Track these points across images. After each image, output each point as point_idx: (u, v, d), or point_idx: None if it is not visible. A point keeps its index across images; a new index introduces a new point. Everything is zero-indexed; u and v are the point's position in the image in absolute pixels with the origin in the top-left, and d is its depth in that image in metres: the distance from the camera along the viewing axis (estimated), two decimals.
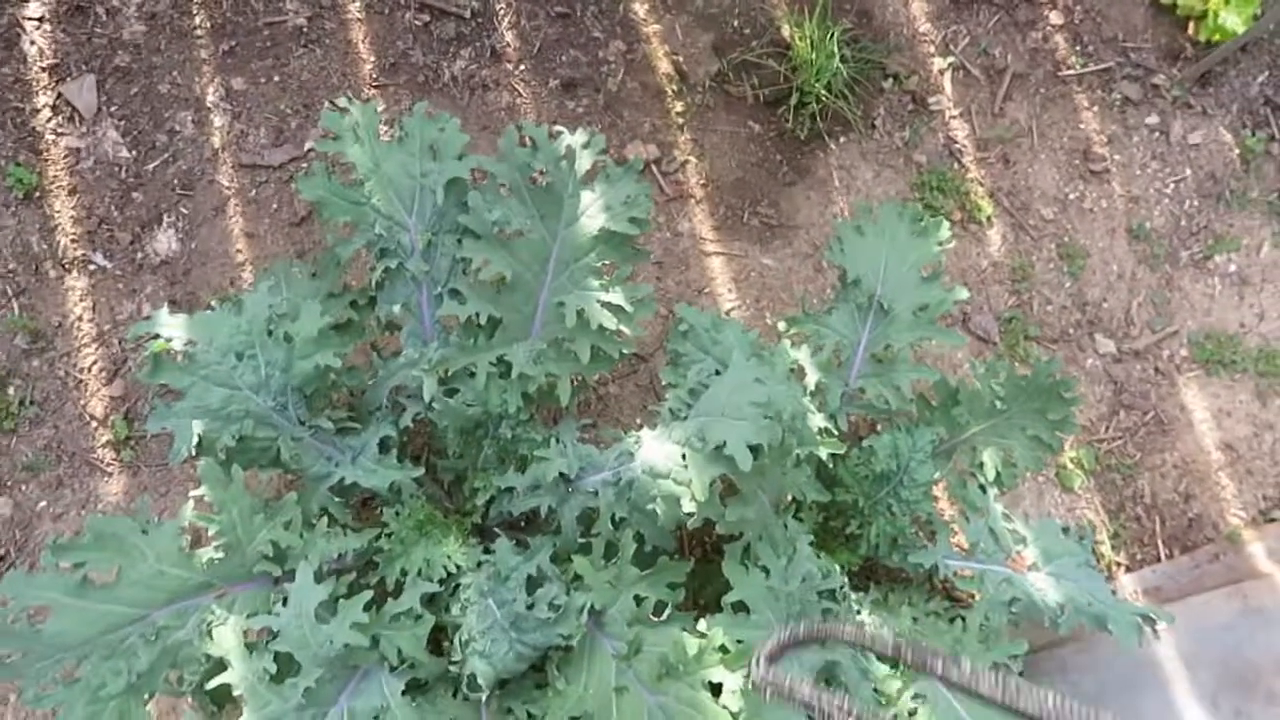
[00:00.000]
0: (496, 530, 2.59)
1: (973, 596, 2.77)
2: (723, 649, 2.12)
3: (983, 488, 2.86)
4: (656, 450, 2.19)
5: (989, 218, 3.54)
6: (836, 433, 2.74)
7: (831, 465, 2.75)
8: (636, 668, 2.20)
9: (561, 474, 2.40)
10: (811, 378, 2.75)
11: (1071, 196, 3.58)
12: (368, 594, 2.22)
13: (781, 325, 2.81)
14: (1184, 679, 3.05)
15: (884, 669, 2.55)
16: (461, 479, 2.70)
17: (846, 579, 2.75)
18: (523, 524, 2.70)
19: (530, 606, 2.24)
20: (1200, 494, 3.34)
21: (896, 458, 2.74)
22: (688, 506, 2.07)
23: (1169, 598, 3.22)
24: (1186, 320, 3.49)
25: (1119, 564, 3.28)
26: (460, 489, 2.71)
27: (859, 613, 2.72)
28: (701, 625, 2.20)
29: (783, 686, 1.42)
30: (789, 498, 2.61)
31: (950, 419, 2.86)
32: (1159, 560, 3.30)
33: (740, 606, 2.21)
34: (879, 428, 2.86)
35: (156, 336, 2.24)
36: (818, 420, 2.68)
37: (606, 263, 2.44)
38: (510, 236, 2.43)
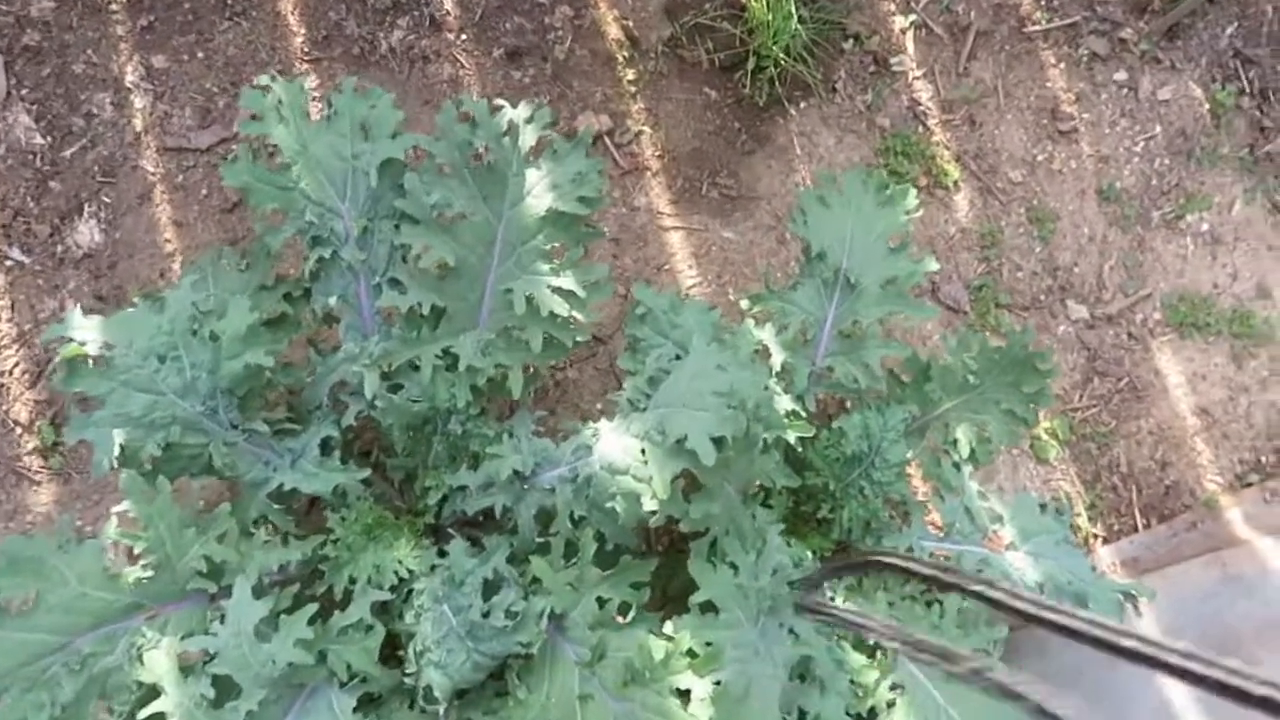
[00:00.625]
0: (450, 531, 2.47)
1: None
2: (690, 653, 2.02)
3: (957, 465, 2.78)
4: (615, 444, 2.08)
5: (956, 182, 3.44)
6: (805, 414, 2.64)
7: (800, 448, 2.66)
8: (601, 674, 2.10)
9: (515, 471, 2.28)
10: (777, 358, 2.65)
11: (1040, 158, 3.50)
12: (312, 607, 2.10)
13: (744, 303, 2.70)
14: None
15: (861, 659, 2.48)
16: (412, 477, 2.58)
17: (819, 565, 2.67)
18: (479, 522, 2.58)
19: (486, 614, 2.13)
20: (1176, 460, 3.30)
21: (868, 438, 2.65)
22: (649, 504, 1.96)
23: (1147, 568, 3.18)
24: (1159, 282, 3.43)
25: (1096, 536, 3.23)
26: (411, 488, 2.58)
27: (833, 599, 2.64)
28: (669, 628, 2.10)
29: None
30: (756, 485, 2.51)
31: (922, 395, 2.77)
32: (1136, 530, 3.25)
33: (708, 606, 2.11)
34: (849, 406, 2.77)
35: (72, 340, 2.09)
36: (785, 402, 2.58)
37: (556, 245, 2.31)
38: (452, 220, 2.29)
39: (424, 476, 2.50)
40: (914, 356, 2.76)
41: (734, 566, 2.15)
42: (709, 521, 2.09)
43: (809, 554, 2.69)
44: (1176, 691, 2.77)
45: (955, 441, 2.79)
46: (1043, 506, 2.78)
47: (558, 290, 2.29)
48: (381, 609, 2.40)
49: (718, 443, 1.93)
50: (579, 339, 2.33)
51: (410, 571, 2.36)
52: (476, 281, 2.33)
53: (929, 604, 2.63)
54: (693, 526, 2.06)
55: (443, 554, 2.35)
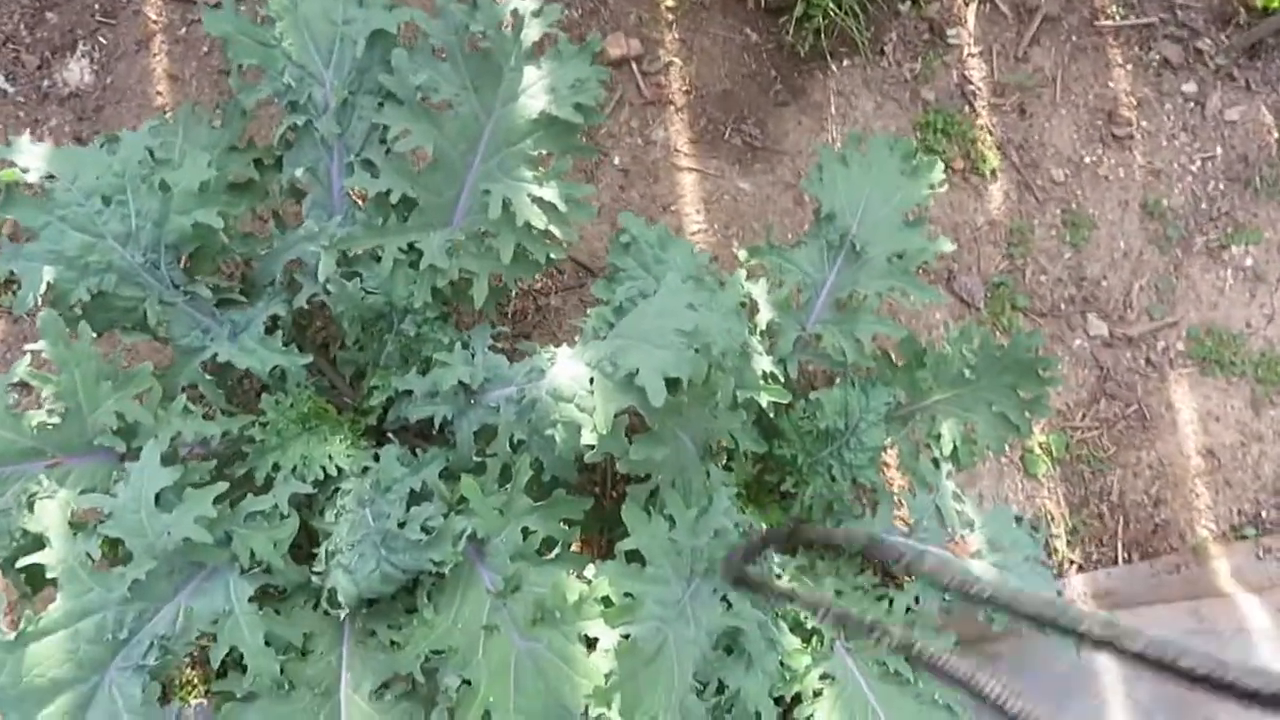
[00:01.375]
0: (391, 436, 2.37)
1: (908, 577, 2.57)
2: (606, 601, 1.90)
3: (936, 462, 2.64)
4: (566, 371, 1.96)
5: (993, 171, 3.26)
6: (784, 380, 2.50)
7: (774, 415, 2.53)
8: (512, 607, 2.00)
9: (462, 383, 2.17)
10: (764, 315, 2.51)
11: (1087, 160, 3.31)
12: (221, 485, 2.00)
13: (741, 254, 2.55)
14: (1120, 693, 2.87)
15: (795, 642, 2.36)
16: (362, 375, 2.47)
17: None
18: (425, 432, 2.47)
19: (403, 524, 2.02)
20: (1172, 500, 3.14)
21: (845, 416, 2.52)
22: (588, 437, 1.84)
23: (1120, 604, 3.04)
24: (1189, 311, 3.25)
25: (1072, 562, 3.08)
26: (360, 385, 2.48)
27: (779, 576, 2.52)
28: (592, 572, 1.99)
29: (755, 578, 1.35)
30: (719, 444, 2.38)
31: (912, 382, 2.63)
32: (1116, 563, 3.11)
33: (636, 556, 2.00)
34: (837, 382, 2.63)
35: (14, 166, 1.98)
36: (764, 363, 2.45)
37: (544, 152, 2.17)
38: (438, 107, 2.15)
39: (372, 375, 2.39)
40: (910, 339, 2.61)
41: (671, 519, 2.02)
42: (649, 467, 1.97)
43: (764, 525, 2.57)
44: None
45: (939, 437, 2.65)
46: (1018, 520, 2.64)
47: (538, 201, 2.15)
48: (305, 504, 2.31)
49: (672, 385, 1.80)
50: (552, 256, 2.20)
51: (340, 470, 2.26)
52: (455, 177, 2.20)
53: (879, 598, 2.51)
54: (631, 469, 1.94)
55: (378, 458, 2.25)
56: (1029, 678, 2.90)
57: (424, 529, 2.00)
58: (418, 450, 2.31)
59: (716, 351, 1.89)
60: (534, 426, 2.01)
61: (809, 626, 2.39)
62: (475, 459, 2.21)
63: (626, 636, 1.85)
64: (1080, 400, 3.21)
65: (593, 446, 1.86)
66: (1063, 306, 3.27)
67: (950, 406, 2.66)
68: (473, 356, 2.17)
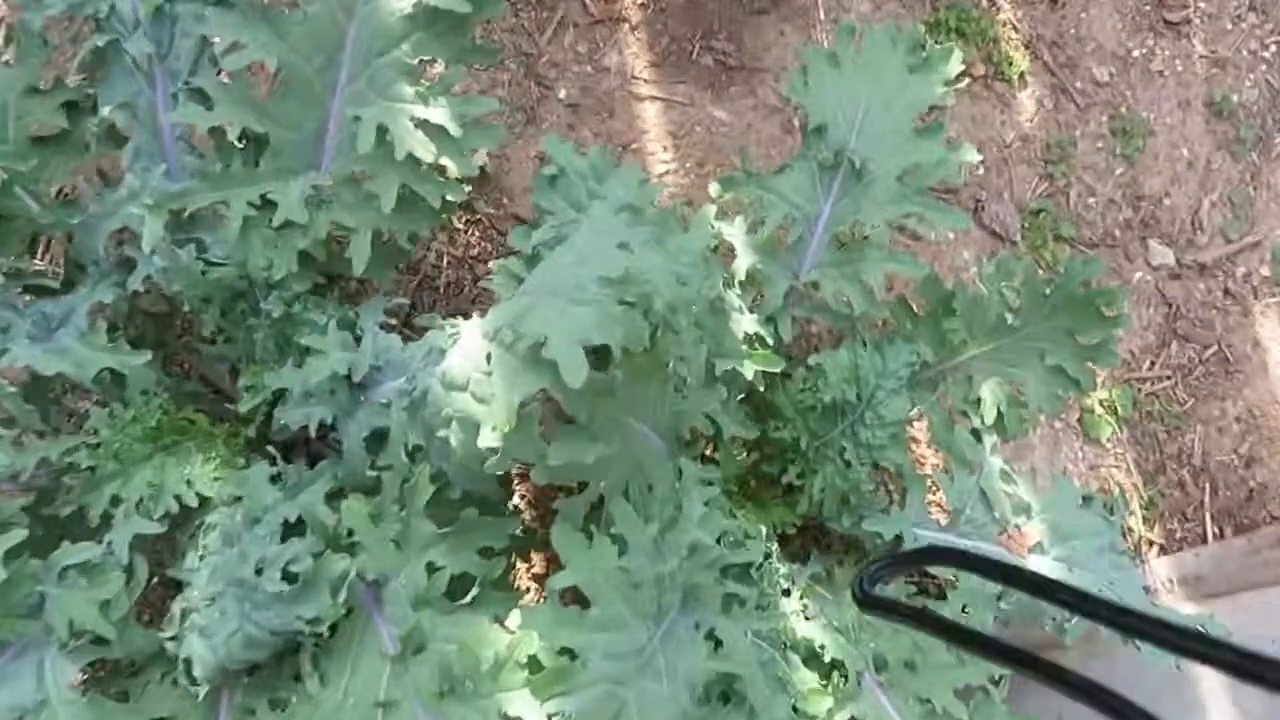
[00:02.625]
0: (272, 449, 1.85)
1: (949, 583, 2.03)
2: (534, 664, 1.38)
3: (977, 433, 2.10)
4: (462, 348, 1.43)
5: (1022, 75, 2.70)
6: (774, 343, 1.97)
7: (765, 388, 2.00)
8: (415, 673, 1.48)
9: (345, 376, 1.64)
10: (744, 262, 1.97)
11: (1136, 54, 2.73)
12: (17, 534, 1.49)
13: (712, 189, 2.01)
14: (1226, 704, 2.32)
15: (810, 679, 1.83)
16: (237, 373, 1.95)
17: (776, 545, 2.02)
18: (331, 443, 1.95)
19: (260, 570, 1.51)
20: (1267, 458, 2.58)
21: (857, 384, 1.98)
22: (487, 438, 1.31)
23: (1214, 591, 2.48)
24: (1273, 228, 2.68)
25: (1151, 543, 2.53)
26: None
27: (786, 592, 1.99)
28: (515, 619, 1.46)
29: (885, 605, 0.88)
30: (694, 431, 1.85)
31: (940, 334, 2.08)
32: (1205, 540, 2.56)
33: (578, 596, 1.47)
34: (844, 342, 2.08)
35: None
36: (747, 323, 1.91)
37: (426, 59, 1.63)
38: (284, 7, 1.62)
39: (245, 373, 1.87)
40: (932, 278, 2.06)
41: (622, 541, 1.49)
42: (581, 474, 1.44)
43: (762, 529, 2.03)
44: None
45: (979, 401, 2.11)
46: (1087, 499, 2.09)
47: (424, 125, 1.62)
48: (165, 546, 1.81)
49: (600, 357, 1.27)
50: (449, 198, 1.66)
51: (204, 499, 1.75)
52: (314, 103, 1.67)
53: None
54: (552, 479, 1.40)
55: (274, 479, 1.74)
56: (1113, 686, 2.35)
57: (286, 574, 1.48)
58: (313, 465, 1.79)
59: (661, 306, 1.35)
60: (428, 427, 1.48)
61: (828, 659, 1.86)
62: (370, 473, 1.68)
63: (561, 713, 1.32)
64: (1147, 345, 2.65)
65: (497, 450, 1.32)
66: (1118, 233, 2.70)
67: (990, 362, 2.12)
68: (347, 339, 1.64)
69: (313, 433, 1.69)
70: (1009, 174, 2.72)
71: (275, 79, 1.65)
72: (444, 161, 1.65)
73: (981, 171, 2.71)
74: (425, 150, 1.62)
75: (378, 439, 1.67)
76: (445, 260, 2.46)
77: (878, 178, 1.97)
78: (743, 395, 2.11)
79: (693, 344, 1.73)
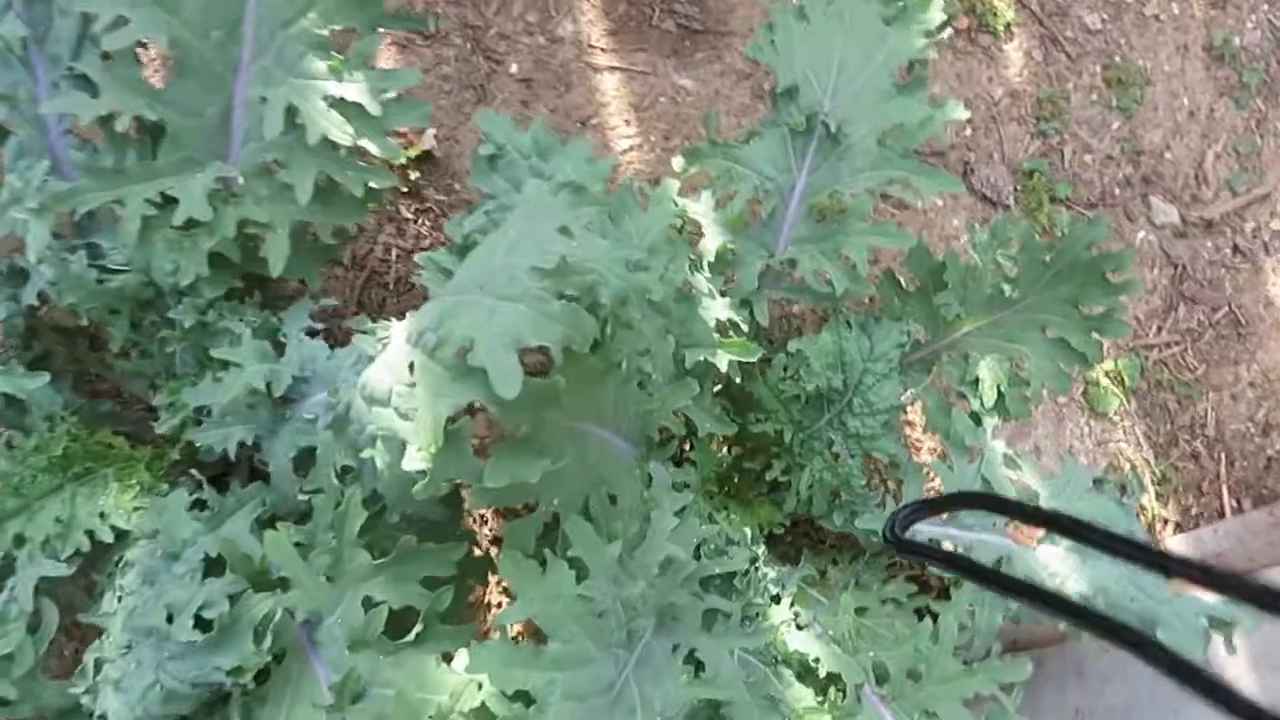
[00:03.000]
0: (195, 474, 1.67)
1: (954, 583, 1.86)
2: (483, 713, 1.20)
3: (976, 416, 1.94)
4: (385, 357, 1.25)
5: (1008, 26, 2.51)
6: (750, 329, 1.79)
7: (743, 379, 1.82)
8: None
9: (264, 390, 1.46)
10: (712, 242, 1.79)
11: None
12: None
13: (676, 163, 1.82)
14: (1252, 692, 2.15)
15: (805, 695, 1.67)
16: (158, 391, 1.76)
17: (764, 547, 1.85)
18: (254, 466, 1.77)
19: (171, 618, 1.33)
20: None
21: (843, 369, 1.80)
22: (413, 460, 1.13)
23: (1235, 569, 2.31)
24: None
25: (1165, 521, 2.37)
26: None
27: (776, 599, 1.82)
28: (462, 660, 1.29)
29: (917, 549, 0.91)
30: (664, 433, 1.67)
31: (931, 311, 1.91)
32: (1223, 515, 2.39)
33: (533, 630, 1.29)
34: (827, 324, 1.91)
35: None
36: (719, 308, 1.74)
37: (337, 28, 1.45)
38: None
39: (165, 390, 1.69)
40: (921, 249, 1.88)
41: (580, 564, 1.31)
42: (526, 494, 1.26)
43: (747, 532, 1.86)
44: None
45: (977, 381, 1.94)
46: (1099, 481, 1.92)
47: (339, 104, 1.43)
48: (81, 588, 1.63)
49: (567, 357, 1.10)
50: (375, 185, 1.48)
51: (121, 534, 1.57)
52: (215, 86, 1.48)
53: (919, 614, 1.80)
54: (492, 502, 1.22)
55: (201, 505, 1.57)
56: (1128, 687, 2.19)
57: (199, 621, 1.30)
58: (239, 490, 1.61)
59: (609, 298, 1.17)
60: (354, 446, 1.30)
61: (824, 672, 1.69)
62: (302, 498, 1.50)
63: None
64: (1153, 310, 2.48)
65: (425, 473, 1.14)
66: (1117, 191, 2.52)
67: (988, 338, 1.95)
68: (265, 350, 1.45)
69: (231, 455, 1.50)
70: (998, 133, 2.53)
71: (170, 59, 1.46)
72: (365, 144, 1.46)
73: (969, 132, 2.53)
74: (341, 132, 1.44)
75: (307, 459, 1.50)
76: (394, 254, 2.27)
77: (856, 141, 1.79)
78: (718, 388, 1.93)
79: (657, 335, 1.56)
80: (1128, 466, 2.41)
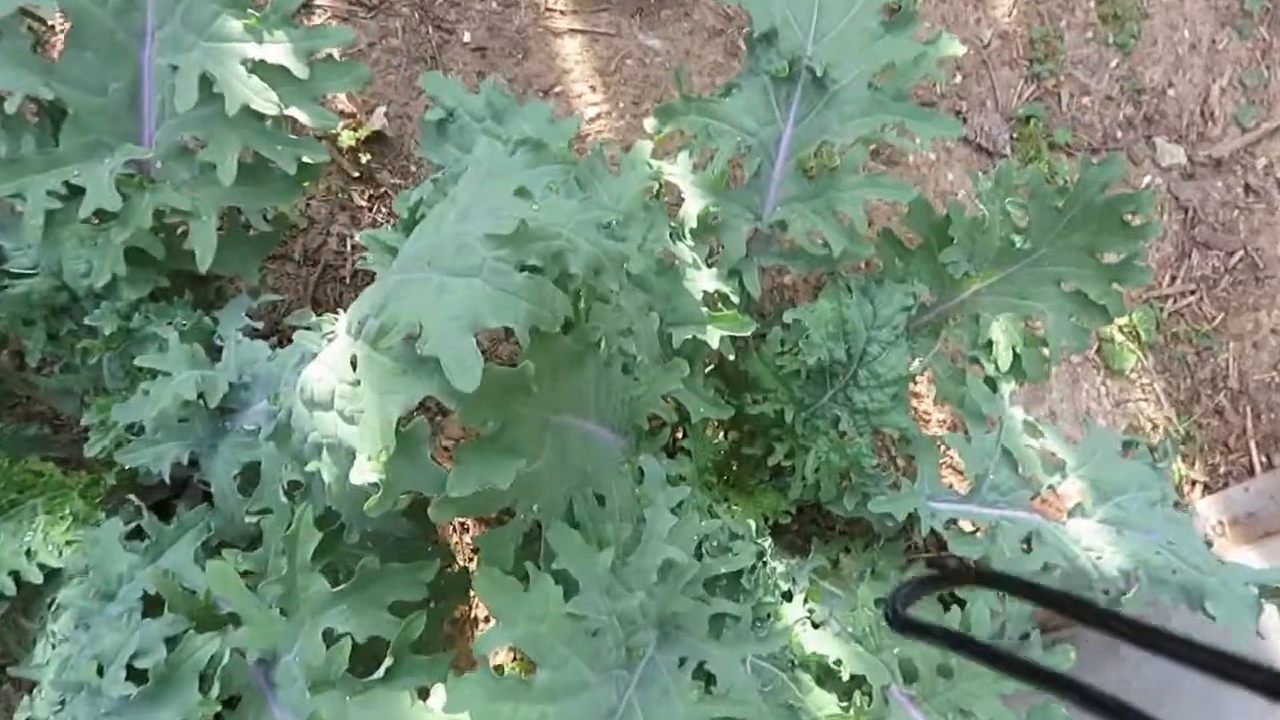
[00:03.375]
0: (133, 499, 1.49)
1: (977, 564, 1.71)
2: None
3: (991, 382, 1.78)
4: (326, 354, 1.08)
5: None
6: (740, 300, 1.63)
7: (736, 356, 1.65)
8: None
9: (201, 401, 1.29)
10: (693, 206, 1.63)
11: None
12: None
13: (648, 124, 1.65)
14: None
15: (827, 701, 1.52)
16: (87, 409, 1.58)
17: (770, 540, 1.69)
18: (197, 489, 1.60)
19: (102, 670, 1.16)
20: None
21: (845, 338, 1.64)
22: (363, 471, 0.96)
23: (1272, 528, 2.18)
24: None
25: (1193, 482, 2.23)
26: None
27: (788, 596, 1.66)
28: (438, 697, 1.13)
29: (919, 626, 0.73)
30: (654, 421, 1.50)
31: (937, 270, 1.76)
32: (1251, 472, 2.26)
33: (522, 654, 1.12)
34: (825, 290, 1.74)
35: None
36: (705, 280, 1.57)
37: None
38: None
39: (92, 407, 1.51)
40: (922, 203, 1.73)
41: (567, 578, 1.15)
42: (499, 501, 1.09)
43: (752, 522, 1.70)
44: None
45: (990, 344, 1.78)
46: (1128, 445, 1.77)
47: (260, 68, 1.25)
48: (7, 635, 1.46)
49: (535, 340, 0.93)
50: (310, 160, 1.30)
51: (43, 572, 1.40)
52: (119, 57, 1.30)
53: (945, 605, 1.64)
54: (459, 514, 1.06)
55: (139, 535, 1.40)
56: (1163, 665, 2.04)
57: (131, 672, 1.13)
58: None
59: (580, 268, 1.00)
60: (300, 458, 1.13)
61: (846, 674, 1.53)
62: (249, 520, 1.33)
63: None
64: (1165, 258, 2.33)
65: (379, 485, 0.97)
66: (1119, 134, 2.37)
67: (999, 296, 1.80)
68: (197, 353, 1.28)
69: (165, 476, 1.33)
70: (990, 79, 2.37)
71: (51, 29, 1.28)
72: (295, 113, 1.29)
73: (959, 79, 2.37)
74: (265, 100, 1.26)
75: (253, 476, 1.32)
76: (349, 245, 2.09)
77: (845, 87, 1.62)
78: (710, 368, 1.77)
79: (639, 312, 1.39)
80: (1149, 427, 2.26)
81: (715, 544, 1.57)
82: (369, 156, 2.13)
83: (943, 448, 1.94)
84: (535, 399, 1.04)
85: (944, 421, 2.13)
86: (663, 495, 1.37)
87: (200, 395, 1.29)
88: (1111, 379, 2.28)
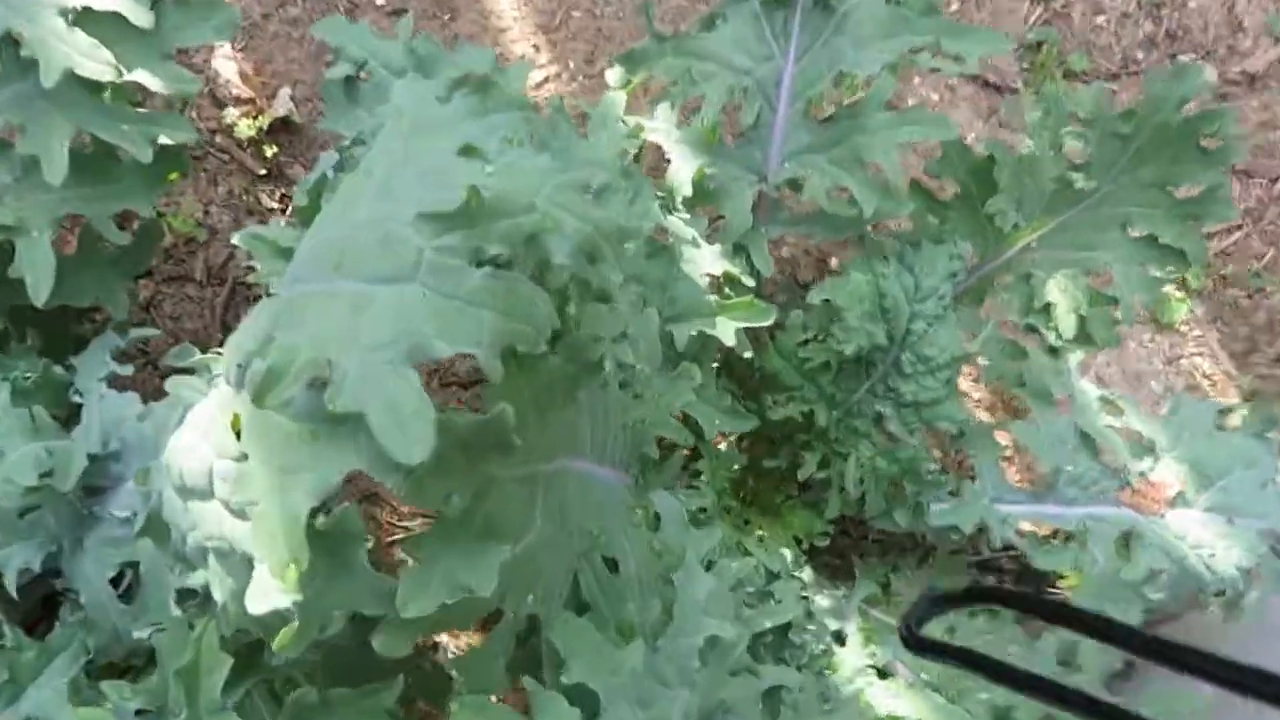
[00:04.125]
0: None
1: (1061, 577, 1.40)
2: None
3: (1054, 352, 1.46)
4: (198, 413, 0.73)
5: None
6: (754, 282, 1.30)
7: (750, 353, 1.33)
8: None
9: (48, 483, 0.93)
10: (683, 169, 1.30)
11: None
12: None
13: (612, 75, 1.32)
14: None
15: None
16: None
17: (808, 571, 1.38)
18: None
19: None
20: None
21: (884, 315, 1.32)
22: (264, 593, 0.61)
23: None
24: None
25: None
26: None
27: (839, 639, 1.34)
28: None
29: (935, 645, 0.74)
30: (659, 441, 1.17)
31: (978, 224, 1.45)
32: None
33: None
34: (853, 260, 1.42)
35: None
36: (707, 260, 1.24)
37: None
38: None
39: None
40: (957, 145, 1.40)
41: (585, 695, 0.81)
42: (476, 611, 0.75)
43: (787, 553, 1.39)
44: None
45: (1048, 308, 1.46)
46: (1223, 413, 1.47)
47: (86, 18, 0.89)
48: None
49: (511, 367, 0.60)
50: (172, 141, 0.94)
51: None
52: None
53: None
54: (425, 633, 0.71)
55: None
56: (1266, 647, 1.76)
57: None
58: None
59: (568, 253, 0.66)
60: (181, 558, 0.78)
61: None
62: (138, 635, 0.98)
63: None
64: None
65: (289, 614, 0.63)
66: (1140, 55, 2.09)
67: (1054, 250, 1.50)
68: (37, 416, 0.93)
69: (11, 588, 0.98)
70: (990, 3, 2.07)
71: None
72: (141, 78, 0.93)
73: (955, 6, 2.06)
74: (97, 62, 0.90)
75: (133, 578, 0.97)
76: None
77: (856, 5, 1.30)
78: (716, 367, 1.44)
79: (634, 309, 1.06)
80: (1206, 385, 1.98)
81: (751, 591, 1.25)
82: (275, 149, 1.77)
83: (1001, 441, 1.62)
84: (518, 452, 0.71)
85: (989, 405, 1.83)
86: (691, 546, 1.04)
87: (46, 474, 0.94)
88: (1161, 334, 2.00)
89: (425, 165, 0.66)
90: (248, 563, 0.67)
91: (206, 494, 0.69)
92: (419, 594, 0.66)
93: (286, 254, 0.77)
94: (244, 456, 0.65)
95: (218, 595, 0.72)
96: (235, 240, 0.80)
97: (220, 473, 0.67)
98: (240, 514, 0.66)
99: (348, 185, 0.73)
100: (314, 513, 0.62)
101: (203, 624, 0.87)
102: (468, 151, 0.68)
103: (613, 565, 0.97)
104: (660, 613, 0.97)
